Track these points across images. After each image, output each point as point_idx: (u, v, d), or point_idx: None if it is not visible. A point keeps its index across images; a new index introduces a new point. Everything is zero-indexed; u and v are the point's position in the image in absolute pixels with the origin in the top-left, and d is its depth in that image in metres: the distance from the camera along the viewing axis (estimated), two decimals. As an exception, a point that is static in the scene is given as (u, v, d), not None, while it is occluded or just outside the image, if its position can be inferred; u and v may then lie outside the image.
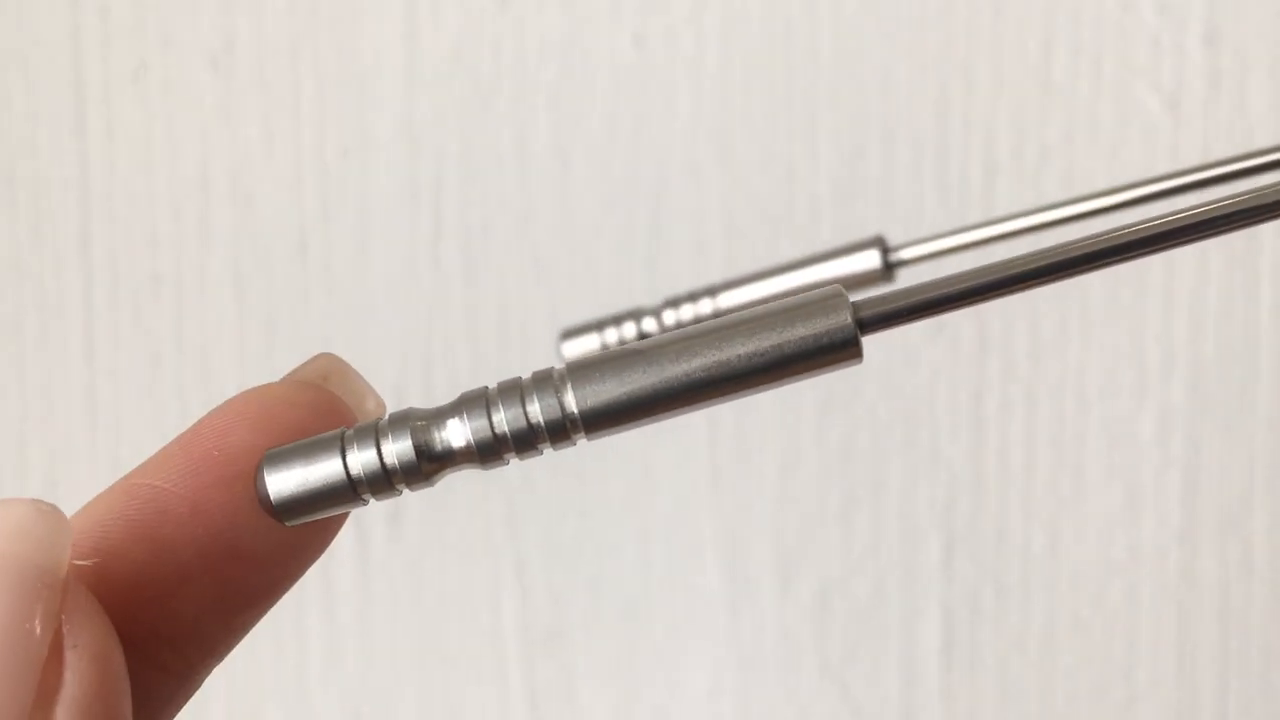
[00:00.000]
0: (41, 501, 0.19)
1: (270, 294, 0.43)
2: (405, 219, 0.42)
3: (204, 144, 0.42)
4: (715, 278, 0.42)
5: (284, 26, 0.42)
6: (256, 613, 0.21)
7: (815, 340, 0.20)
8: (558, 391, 0.20)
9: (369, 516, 0.43)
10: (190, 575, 0.20)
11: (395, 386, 0.42)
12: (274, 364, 0.43)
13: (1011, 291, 0.21)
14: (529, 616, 0.43)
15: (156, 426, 0.43)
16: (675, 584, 0.43)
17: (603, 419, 0.20)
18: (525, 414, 0.20)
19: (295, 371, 0.21)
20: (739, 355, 0.19)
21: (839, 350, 0.20)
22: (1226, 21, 0.40)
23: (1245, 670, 0.42)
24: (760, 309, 0.20)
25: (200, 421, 0.21)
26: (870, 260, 0.26)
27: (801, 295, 0.20)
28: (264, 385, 0.21)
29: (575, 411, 0.20)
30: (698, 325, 0.20)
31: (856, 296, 0.20)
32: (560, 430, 0.20)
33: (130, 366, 0.43)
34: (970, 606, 0.42)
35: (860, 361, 0.20)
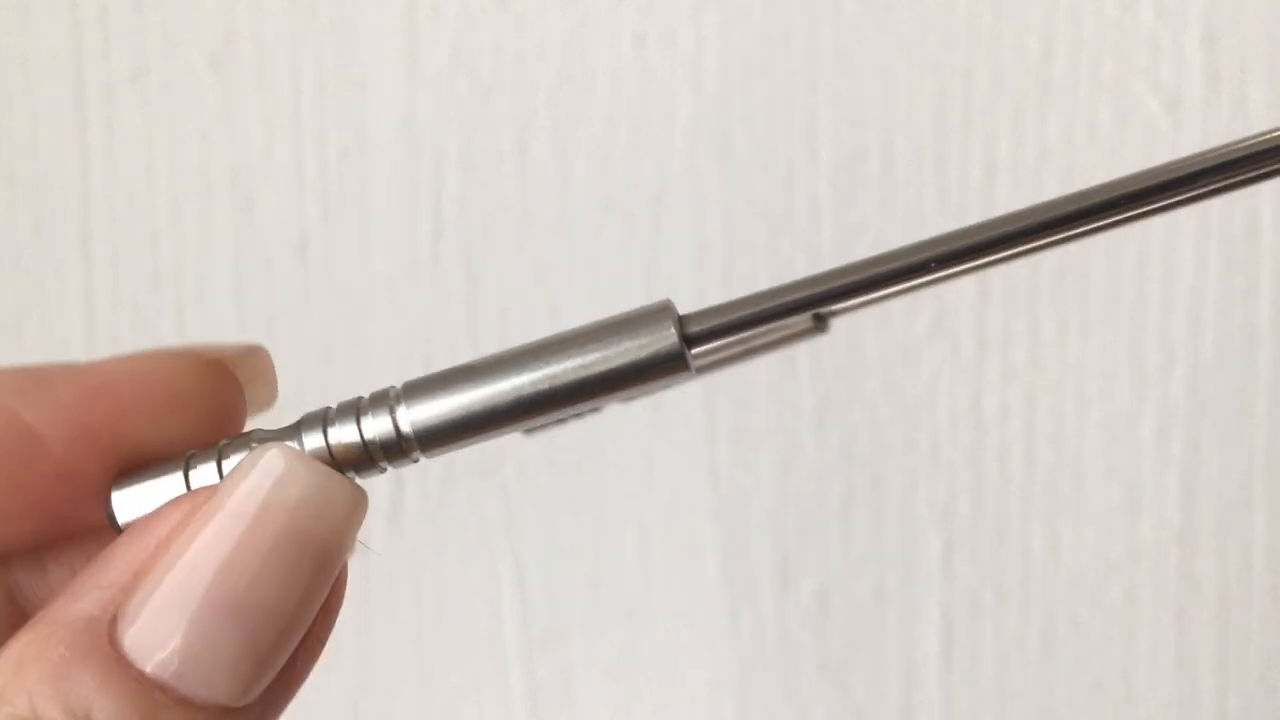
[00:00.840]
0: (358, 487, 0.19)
1: (270, 294, 0.43)
2: (405, 219, 0.42)
3: (204, 144, 0.42)
4: (715, 278, 0.42)
5: (284, 26, 0.42)
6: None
7: (641, 354, 0.20)
8: (393, 410, 0.20)
9: (368, 516, 0.43)
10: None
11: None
12: (274, 364, 0.43)
13: (870, 292, 0.20)
14: (529, 616, 0.43)
15: (156, 426, 0.43)
16: (675, 584, 0.43)
17: (437, 437, 0.20)
18: (361, 432, 0.20)
19: (221, 347, 0.21)
20: (566, 370, 0.19)
21: (666, 364, 0.20)
22: (1226, 21, 0.40)
23: (1245, 670, 0.42)
24: (591, 324, 0.20)
25: (111, 368, 0.20)
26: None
27: (633, 310, 0.20)
28: (179, 354, 0.21)
29: (410, 431, 0.20)
30: (531, 341, 0.20)
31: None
32: (396, 449, 0.20)
33: (130, 366, 0.43)
34: (970, 606, 0.42)
35: (691, 374, 0.20)
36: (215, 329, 0.43)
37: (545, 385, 0.20)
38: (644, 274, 0.42)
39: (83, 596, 0.18)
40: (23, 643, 0.18)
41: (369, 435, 0.20)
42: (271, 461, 0.19)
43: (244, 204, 0.42)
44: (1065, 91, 0.41)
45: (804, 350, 0.42)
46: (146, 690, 0.18)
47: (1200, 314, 0.41)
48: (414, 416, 0.20)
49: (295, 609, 0.20)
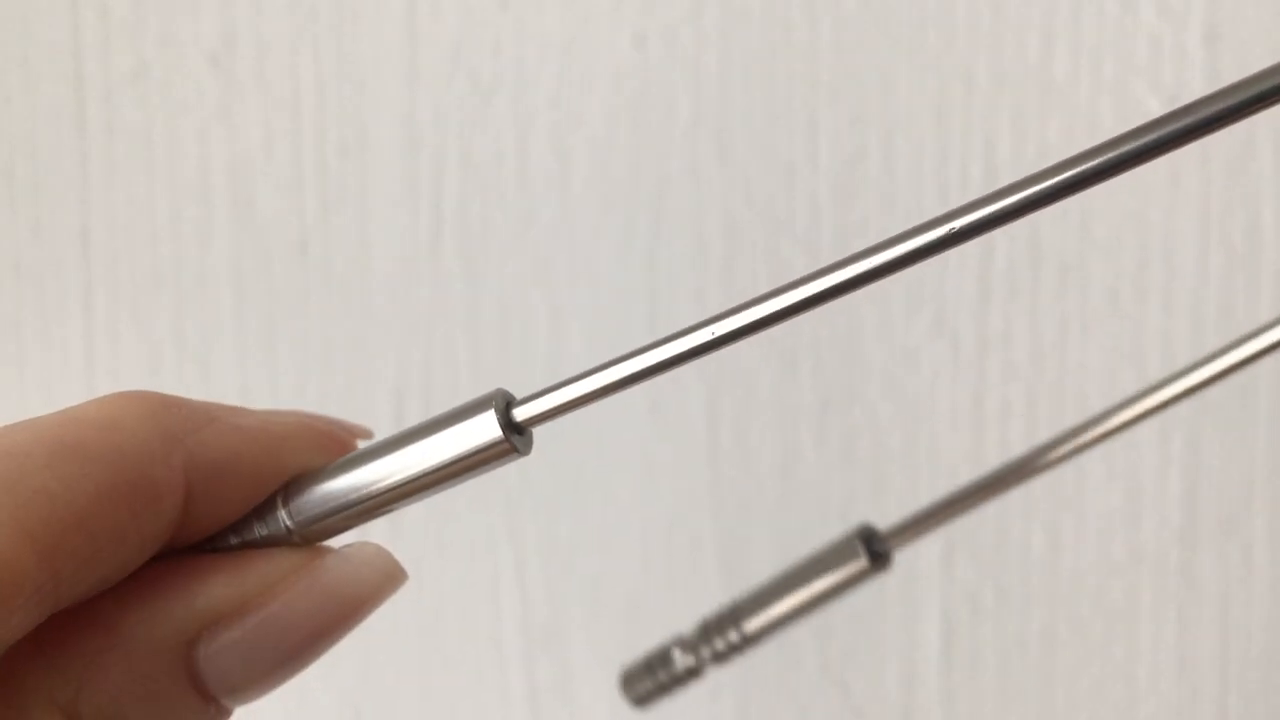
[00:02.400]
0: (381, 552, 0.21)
1: (270, 294, 0.43)
2: (405, 219, 0.42)
3: (204, 144, 0.42)
4: (715, 278, 0.42)
5: (284, 26, 0.42)
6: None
7: (467, 442, 0.21)
8: (281, 507, 0.21)
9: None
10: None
11: (395, 387, 0.42)
12: (274, 364, 0.43)
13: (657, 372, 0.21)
14: (529, 616, 0.43)
15: (156, 426, 0.43)
16: (675, 584, 0.43)
17: (313, 525, 0.21)
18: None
19: (347, 426, 0.23)
20: (404, 466, 0.21)
21: (492, 449, 0.21)
22: (1226, 21, 0.40)
23: (1245, 670, 0.42)
24: (425, 421, 0.21)
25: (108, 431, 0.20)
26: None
27: (462, 405, 0.21)
28: (319, 420, 0.22)
29: (291, 523, 0.21)
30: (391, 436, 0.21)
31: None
32: (282, 535, 0.21)
33: (130, 366, 0.43)
34: (970, 606, 0.42)
35: (525, 454, 0.21)
36: (215, 329, 0.43)
37: (400, 478, 0.21)
38: (644, 274, 0.42)
39: (174, 616, 0.20)
40: (108, 647, 0.19)
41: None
42: (390, 567, 0.21)
43: (244, 203, 0.42)
44: (1065, 91, 0.41)
45: (804, 350, 0.42)
46: (210, 710, 0.20)
47: (1201, 314, 0.41)
48: (296, 510, 0.21)
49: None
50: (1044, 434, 0.42)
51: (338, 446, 0.22)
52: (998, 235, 0.41)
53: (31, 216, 0.43)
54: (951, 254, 0.42)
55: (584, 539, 0.43)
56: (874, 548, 0.28)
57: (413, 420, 0.43)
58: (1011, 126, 0.41)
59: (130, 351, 0.43)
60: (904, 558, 0.42)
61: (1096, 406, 0.42)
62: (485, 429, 0.21)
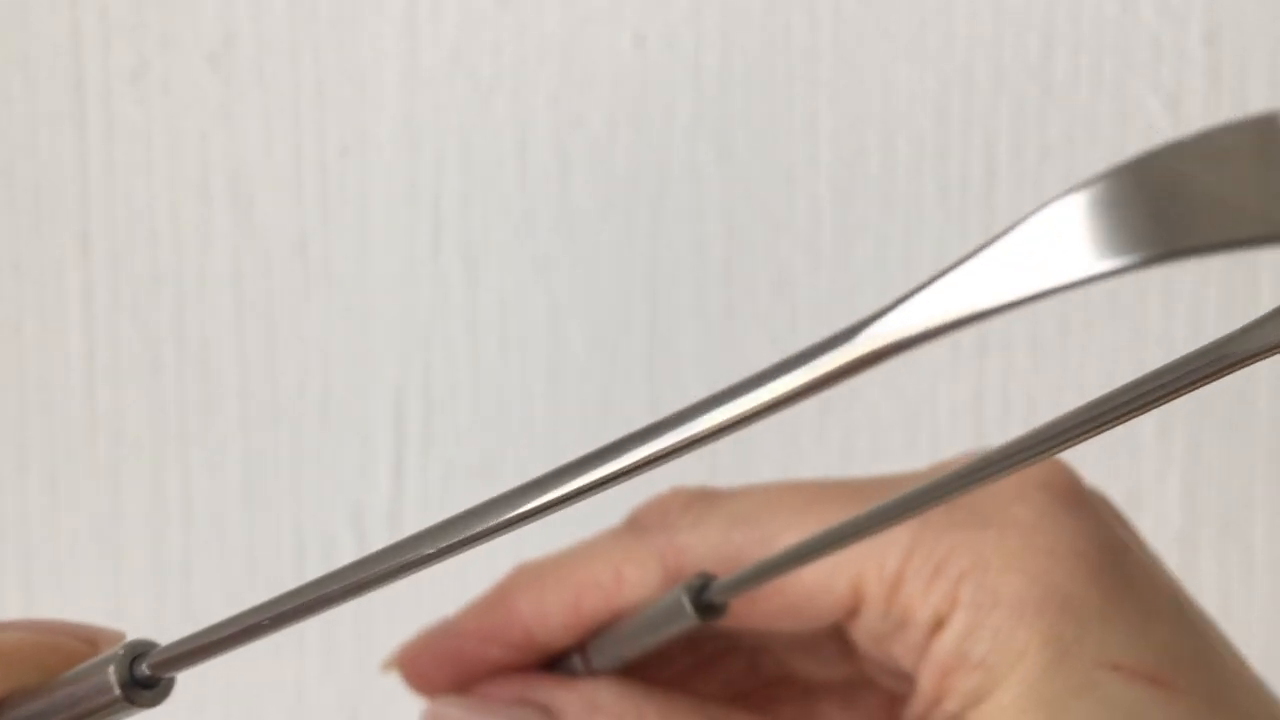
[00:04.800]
0: None
1: (270, 294, 0.43)
2: (405, 219, 0.42)
3: (204, 144, 0.42)
4: (715, 278, 0.42)
5: (284, 26, 0.42)
6: None
7: (92, 700, 0.21)
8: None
9: (369, 516, 0.43)
10: None
11: (395, 387, 0.42)
12: (274, 364, 0.43)
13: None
14: (529, 616, 0.43)
15: (157, 426, 0.43)
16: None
17: None
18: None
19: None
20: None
21: (113, 706, 0.21)
22: (1228, 20, 0.40)
23: (1245, 670, 0.42)
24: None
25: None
26: None
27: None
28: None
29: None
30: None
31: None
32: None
33: (130, 366, 0.43)
34: (970, 606, 0.42)
35: (154, 706, 0.21)
36: (215, 329, 0.43)
37: None
38: (644, 274, 0.42)
39: None
40: None
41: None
42: None
43: (244, 204, 0.42)
44: (1065, 91, 0.41)
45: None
46: None
47: (1201, 314, 0.41)
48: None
49: None
50: (1044, 434, 0.42)
51: (61, 660, 0.22)
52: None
53: (31, 216, 0.43)
54: (951, 254, 0.42)
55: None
56: (705, 601, 0.25)
57: (413, 420, 0.43)
58: (1011, 126, 0.41)
59: (130, 351, 0.43)
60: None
61: (1096, 406, 0.42)
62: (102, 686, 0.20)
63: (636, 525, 0.27)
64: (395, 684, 0.45)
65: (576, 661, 0.26)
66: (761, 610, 0.25)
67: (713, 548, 0.25)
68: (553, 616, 0.26)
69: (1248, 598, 0.42)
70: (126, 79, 0.42)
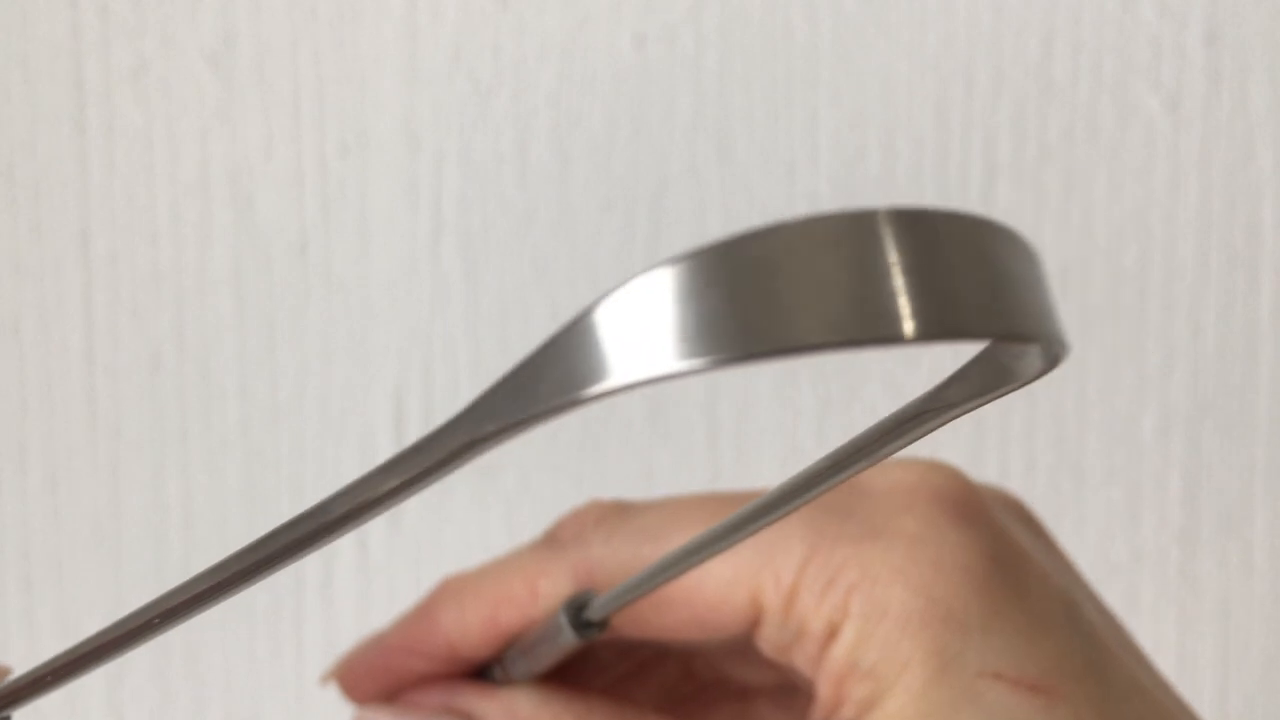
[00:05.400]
0: None
1: (270, 294, 0.43)
2: (405, 219, 0.42)
3: (204, 144, 0.42)
4: (715, 278, 0.42)
5: (284, 26, 0.42)
6: None
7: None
8: None
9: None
10: None
11: (396, 387, 0.42)
12: (274, 364, 0.43)
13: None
14: (529, 616, 0.43)
15: (156, 426, 0.43)
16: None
17: None
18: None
19: None
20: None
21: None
22: (1226, 21, 0.40)
23: (1245, 670, 0.42)
24: None
25: None
26: None
27: None
28: None
29: None
30: None
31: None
32: None
33: (130, 366, 0.43)
34: (970, 606, 0.42)
35: None
36: (215, 329, 0.43)
37: None
38: (644, 274, 0.42)
39: None
40: None
41: None
42: None
43: (244, 204, 0.42)
44: (1065, 91, 0.41)
45: (804, 350, 0.42)
46: None
47: (1201, 314, 0.41)
48: None
49: None
50: (1043, 434, 0.42)
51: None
52: (998, 235, 0.41)
53: (31, 216, 0.43)
54: (951, 254, 0.42)
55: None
56: (583, 619, 0.25)
57: (413, 420, 0.43)
58: (1011, 126, 0.41)
59: (130, 351, 0.43)
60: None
61: (1096, 406, 0.42)
62: None
63: (553, 539, 0.28)
64: (395, 684, 0.45)
65: (497, 671, 0.27)
66: (668, 622, 0.26)
67: (622, 562, 0.26)
68: (472, 629, 0.27)
69: (1248, 598, 0.42)
70: (126, 79, 0.42)
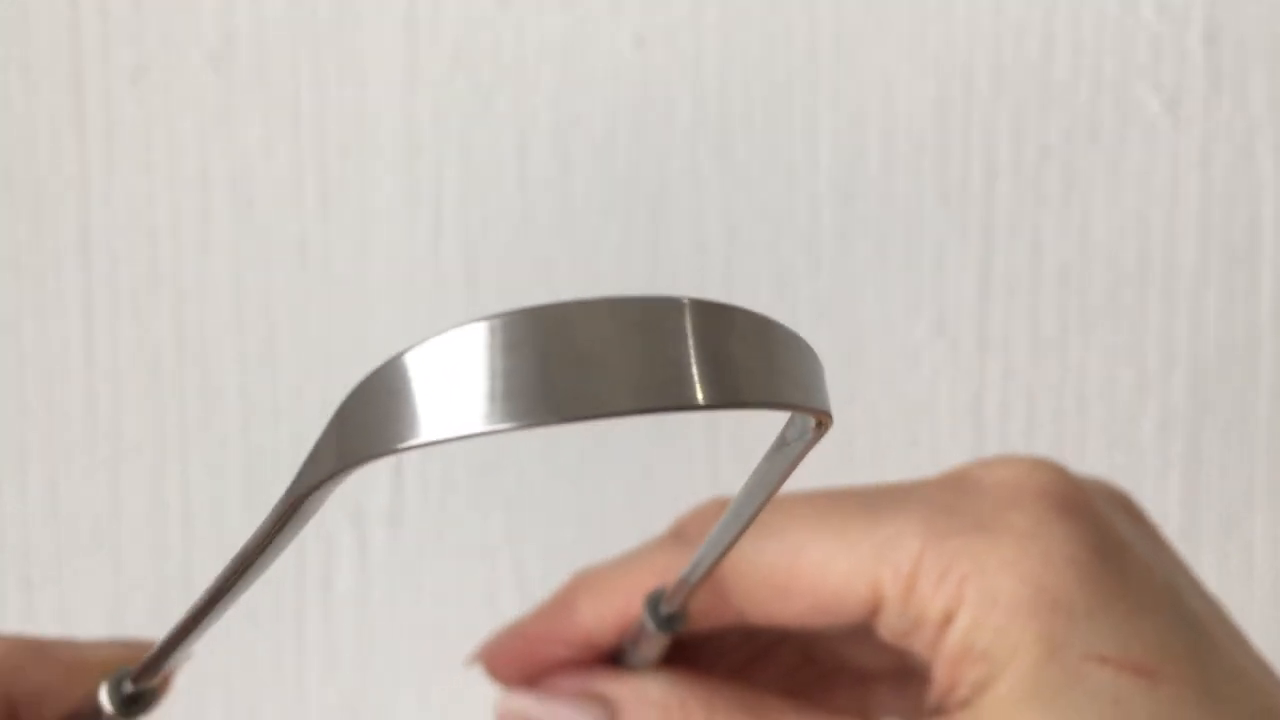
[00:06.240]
0: None
1: (270, 294, 0.43)
2: (405, 219, 0.42)
3: (204, 144, 0.42)
4: (716, 278, 0.42)
5: (284, 26, 0.42)
6: None
7: None
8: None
9: (368, 517, 0.43)
10: None
11: (395, 386, 0.42)
12: (274, 364, 0.43)
13: None
14: (529, 616, 0.43)
15: (157, 426, 0.43)
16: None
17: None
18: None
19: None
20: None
21: None
22: (1227, 21, 0.40)
23: (1245, 670, 0.42)
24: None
25: None
26: None
27: None
28: None
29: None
30: None
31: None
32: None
33: (130, 366, 0.43)
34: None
35: None
36: (215, 329, 0.43)
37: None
38: (644, 274, 0.42)
39: None
40: None
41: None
42: None
43: (244, 204, 0.42)
44: (1065, 91, 0.41)
45: (804, 350, 0.42)
46: None
47: (1201, 314, 0.41)
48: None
49: None
50: (1043, 433, 0.42)
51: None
52: (998, 235, 0.41)
53: (31, 216, 0.43)
54: (951, 254, 0.42)
55: (583, 541, 0.43)
56: (663, 614, 0.28)
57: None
58: (1011, 126, 0.41)
59: (130, 351, 0.43)
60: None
61: (1097, 406, 0.42)
62: None
63: (679, 534, 0.30)
64: (395, 684, 0.45)
65: (631, 656, 0.29)
66: (793, 611, 0.28)
67: (747, 555, 0.28)
68: (606, 619, 0.29)
69: (1248, 598, 0.42)
70: (126, 79, 0.42)
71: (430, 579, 0.43)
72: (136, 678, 0.24)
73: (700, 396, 0.17)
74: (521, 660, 0.31)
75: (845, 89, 0.41)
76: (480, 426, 0.16)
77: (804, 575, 0.27)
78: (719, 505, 0.30)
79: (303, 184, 0.42)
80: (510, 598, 0.43)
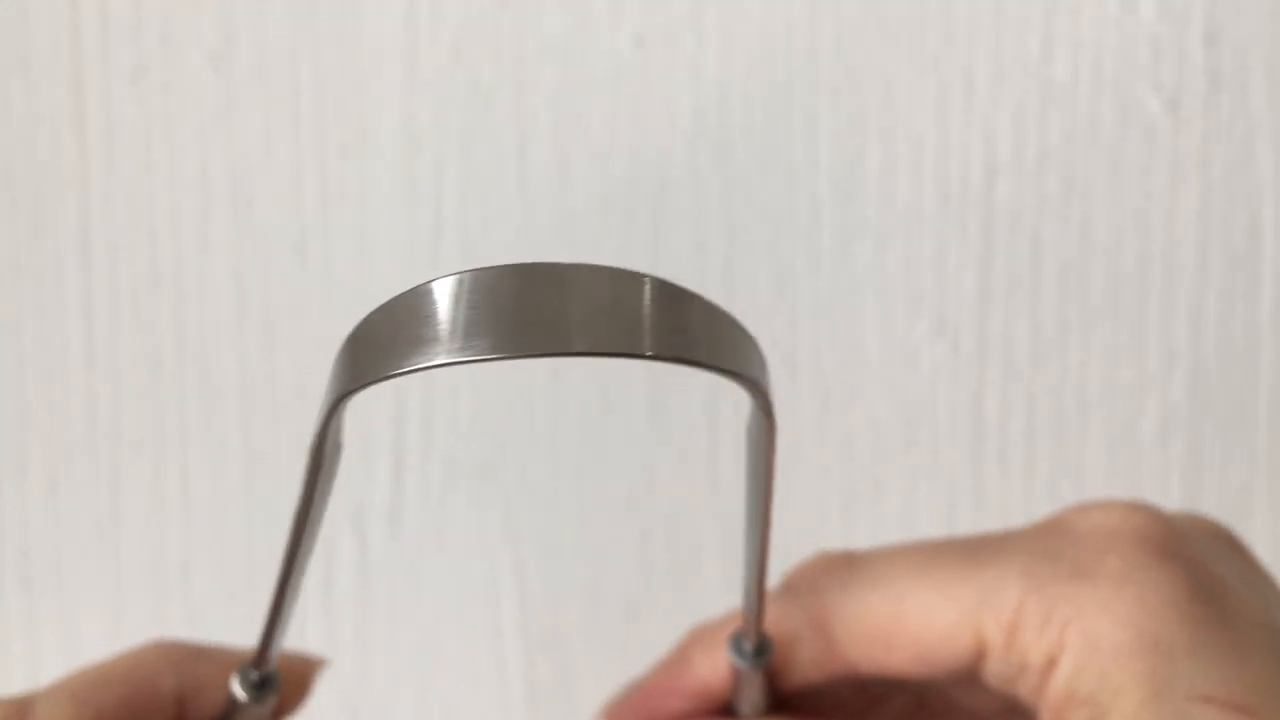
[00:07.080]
0: None
1: (270, 294, 0.43)
2: (405, 219, 0.42)
3: (204, 144, 0.42)
4: (716, 278, 0.42)
5: (284, 26, 0.42)
6: None
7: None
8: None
9: (368, 517, 0.43)
10: None
11: (396, 387, 0.43)
12: (274, 364, 0.43)
13: None
14: (528, 617, 0.43)
15: (157, 426, 0.43)
16: (675, 584, 0.43)
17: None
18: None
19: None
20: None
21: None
22: (1226, 22, 0.40)
23: (1245, 670, 0.42)
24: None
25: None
26: None
27: None
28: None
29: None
30: None
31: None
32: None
33: (130, 366, 0.43)
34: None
35: None
36: (215, 329, 0.43)
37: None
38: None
39: None
40: None
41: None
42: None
43: (244, 204, 0.42)
44: (1065, 91, 0.41)
45: (804, 350, 0.42)
46: None
47: (1201, 314, 0.41)
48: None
49: None
50: (1044, 434, 0.42)
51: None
52: (998, 235, 0.41)
53: (31, 216, 0.43)
54: (951, 254, 0.42)
55: (583, 539, 0.43)
56: (744, 648, 0.29)
57: (413, 420, 0.43)
58: (1011, 126, 0.41)
59: (130, 352, 0.43)
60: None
61: (1097, 407, 0.42)
62: None
63: (789, 588, 0.31)
64: (395, 684, 0.45)
65: (740, 704, 0.30)
66: (899, 661, 0.29)
67: (854, 607, 0.29)
68: (722, 670, 0.30)
69: (1248, 598, 0.42)
70: (126, 79, 0.42)
71: (430, 579, 0.44)
72: (256, 664, 0.27)
73: (648, 347, 0.19)
74: (642, 716, 0.31)
75: (845, 89, 0.41)
76: (456, 356, 0.20)
77: (908, 625, 0.28)
78: (826, 558, 0.30)
79: (302, 183, 0.42)
80: (510, 597, 0.43)
